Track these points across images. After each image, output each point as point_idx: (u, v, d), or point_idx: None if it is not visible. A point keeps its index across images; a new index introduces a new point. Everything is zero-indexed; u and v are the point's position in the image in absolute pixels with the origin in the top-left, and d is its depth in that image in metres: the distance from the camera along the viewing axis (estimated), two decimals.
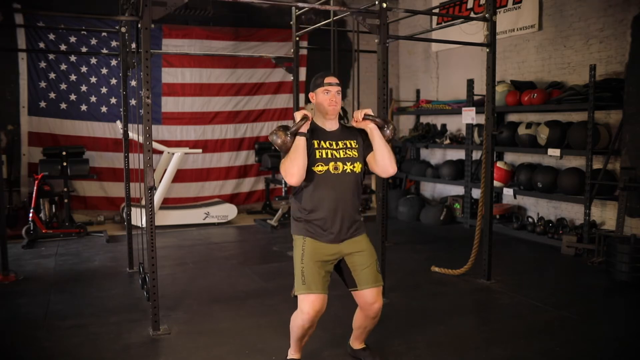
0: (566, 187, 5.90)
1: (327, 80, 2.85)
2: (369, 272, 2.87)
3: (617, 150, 5.57)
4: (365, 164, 2.93)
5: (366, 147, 2.90)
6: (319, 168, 2.80)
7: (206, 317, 3.96)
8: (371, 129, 2.85)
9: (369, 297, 2.88)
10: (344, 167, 2.83)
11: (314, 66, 8.35)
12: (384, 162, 2.83)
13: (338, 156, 2.83)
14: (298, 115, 2.76)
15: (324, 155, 2.82)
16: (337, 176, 2.82)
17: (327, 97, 2.84)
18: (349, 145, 2.88)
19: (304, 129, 2.75)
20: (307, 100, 3.01)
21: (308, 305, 2.76)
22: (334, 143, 2.86)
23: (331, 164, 2.81)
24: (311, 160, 2.79)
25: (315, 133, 2.86)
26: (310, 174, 2.79)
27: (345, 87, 8.70)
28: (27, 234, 6.31)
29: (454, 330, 3.71)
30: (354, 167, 2.85)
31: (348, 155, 2.85)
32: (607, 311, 4.10)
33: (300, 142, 2.73)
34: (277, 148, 2.80)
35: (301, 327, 2.84)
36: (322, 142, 2.85)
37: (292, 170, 2.72)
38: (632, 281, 4.61)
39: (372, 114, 2.88)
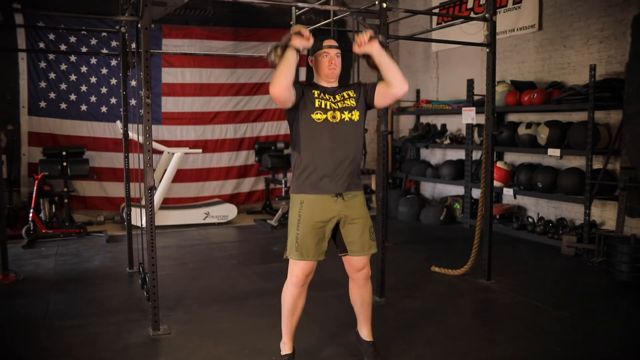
0: (566, 187, 5.90)
1: (327, 43, 2.88)
2: (360, 240, 2.92)
3: (617, 150, 5.57)
4: (365, 114, 2.97)
5: (369, 89, 2.93)
6: (317, 116, 2.85)
7: (206, 317, 3.96)
8: (378, 49, 2.82)
9: (357, 263, 2.95)
10: (342, 116, 2.87)
11: None
12: (397, 79, 2.81)
13: (336, 107, 2.88)
14: (292, 30, 2.75)
15: (323, 105, 2.86)
16: (335, 124, 2.86)
17: (326, 59, 2.87)
18: (346, 96, 2.93)
19: (297, 42, 2.71)
20: (308, 72, 3.02)
21: (298, 268, 2.87)
22: (331, 97, 2.91)
23: (329, 113, 2.86)
24: (310, 108, 2.84)
25: (315, 87, 2.92)
26: (309, 122, 2.84)
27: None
28: (27, 234, 6.31)
29: (454, 330, 3.71)
30: (352, 115, 2.89)
31: (346, 105, 2.90)
32: (607, 311, 4.09)
33: (289, 54, 2.71)
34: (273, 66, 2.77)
35: (291, 294, 2.91)
36: (322, 93, 2.89)
37: (277, 79, 2.70)
38: (632, 281, 4.61)
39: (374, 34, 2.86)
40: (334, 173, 2.86)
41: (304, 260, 2.84)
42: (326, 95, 2.90)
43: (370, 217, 3.02)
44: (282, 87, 2.70)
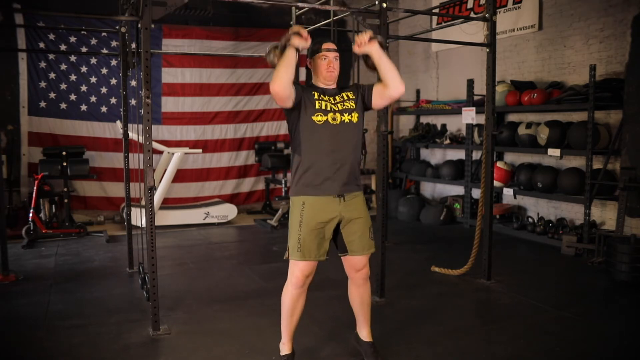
0: (566, 187, 5.90)
1: (325, 46, 2.88)
2: (360, 240, 2.93)
3: (617, 150, 5.57)
4: (363, 116, 2.99)
5: (366, 91, 2.95)
6: (318, 118, 2.85)
7: (206, 317, 3.96)
8: (378, 50, 2.84)
9: (357, 263, 2.95)
10: (342, 118, 2.88)
11: None
12: (395, 80, 2.85)
13: (336, 109, 2.89)
14: (291, 31, 2.76)
15: (323, 107, 2.87)
16: (335, 126, 2.87)
17: (325, 62, 2.88)
18: (345, 98, 2.94)
19: (296, 42, 2.72)
20: (307, 73, 3.02)
21: (298, 269, 2.87)
22: (331, 98, 2.92)
23: (330, 115, 2.87)
24: (310, 110, 2.85)
25: (314, 88, 2.92)
26: (309, 124, 2.84)
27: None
28: (27, 234, 6.30)
29: (454, 330, 3.71)
30: (351, 116, 2.91)
31: (346, 107, 2.91)
32: (607, 311, 4.09)
33: (288, 53, 2.73)
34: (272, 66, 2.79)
35: (290, 295, 2.92)
36: (322, 95, 2.90)
37: (277, 76, 2.70)
38: (632, 281, 4.61)
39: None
40: (335, 174, 2.87)
41: (304, 261, 2.85)
42: (326, 96, 2.90)
43: (370, 216, 3.02)
44: (282, 84, 2.71)
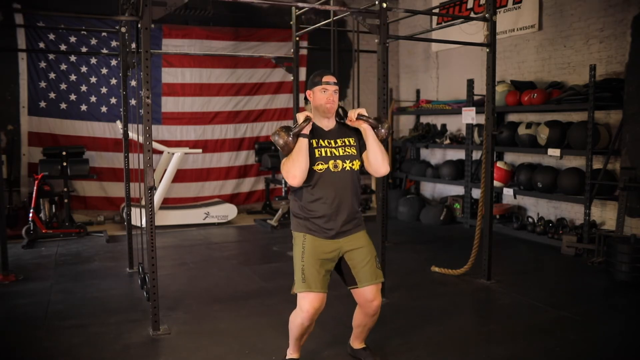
0: (566, 187, 5.90)
1: (325, 79, 2.85)
2: (368, 269, 2.87)
3: (617, 150, 5.57)
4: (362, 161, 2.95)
5: (362, 145, 2.91)
6: (319, 167, 2.82)
7: (206, 317, 3.96)
8: (365, 129, 2.86)
9: (368, 295, 2.88)
10: (343, 165, 2.85)
11: (314, 66, 8.34)
12: (376, 163, 2.85)
13: (337, 154, 2.85)
14: (300, 117, 2.77)
15: (324, 154, 2.83)
16: (336, 174, 2.83)
17: (325, 95, 2.85)
18: (347, 143, 2.89)
19: (307, 130, 2.76)
20: (307, 99, 3.00)
21: (307, 303, 2.78)
22: (332, 142, 2.87)
23: (331, 162, 2.83)
24: (311, 159, 2.79)
25: (313, 132, 2.86)
26: (310, 172, 2.80)
27: (345, 87, 8.71)
28: (27, 234, 6.30)
29: (454, 330, 3.71)
30: (352, 164, 2.87)
31: (347, 153, 2.87)
32: (607, 311, 4.09)
33: (303, 144, 2.74)
34: (278, 148, 2.80)
35: (300, 325, 2.85)
36: (320, 140, 2.86)
37: (295, 172, 2.72)
38: (632, 281, 4.61)
39: (366, 114, 2.87)
40: (335, 219, 2.84)
41: (312, 293, 2.78)
42: (325, 141, 2.86)
43: (373, 247, 2.97)
44: (300, 177, 2.74)
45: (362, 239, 2.92)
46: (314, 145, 2.83)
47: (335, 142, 2.87)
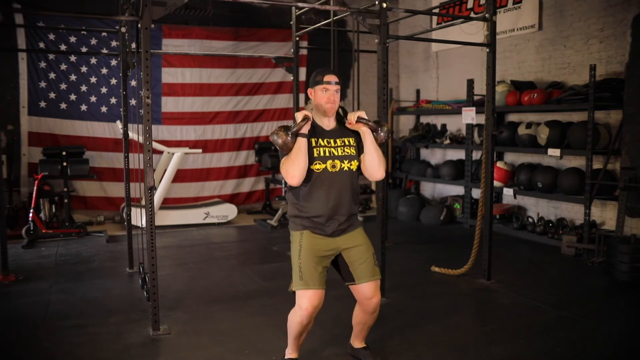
0: (566, 187, 5.90)
1: (327, 78, 2.84)
2: (366, 266, 2.88)
3: (617, 150, 5.57)
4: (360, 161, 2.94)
5: (362, 146, 2.90)
6: (316, 166, 2.81)
7: (206, 317, 3.96)
8: (364, 132, 2.86)
9: (367, 291, 2.88)
10: (341, 165, 2.84)
11: (314, 66, 8.33)
12: (372, 167, 2.86)
13: (336, 154, 2.84)
14: (299, 116, 2.77)
15: (322, 154, 2.83)
16: (334, 174, 2.83)
17: (325, 95, 2.84)
18: (346, 143, 2.89)
19: (305, 129, 2.76)
20: (307, 99, 3.00)
21: (306, 300, 2.78)
22: (331, 141, 2.87)
23: (329, 162, 2.83)
24: (309, 159, 2.79)
25: (313, 131, 2.85)
26: (307, 171, 2.80)
27: (345, 87, 8.70)
28: (27, 234, 6.31)
29: (454, 330, 3.71)
30: (351, 164, 2.87)
31: (346, 153, 2.86)
32: (607, 311, 4.09)
33: (302, 144, 2.74)
34: (277, 148, 2.80)
35: (299, 323, 2.85)
36: (319, 140, 2.85)
37: (294, 172, 2.73)
38: (632, 281, 4.61)
39: (365, 117, 2.87)
40: (332, 217, 2.84)
41: (310, 290, 2.78)
42: (324, 140, 2.86)
43: (371, 244, 2.97)
44: (299, 177, 2.75)
45: (359, 237, 2.93)
46: (313, 144, 2.83)
47: (335, 142, 2.87)
